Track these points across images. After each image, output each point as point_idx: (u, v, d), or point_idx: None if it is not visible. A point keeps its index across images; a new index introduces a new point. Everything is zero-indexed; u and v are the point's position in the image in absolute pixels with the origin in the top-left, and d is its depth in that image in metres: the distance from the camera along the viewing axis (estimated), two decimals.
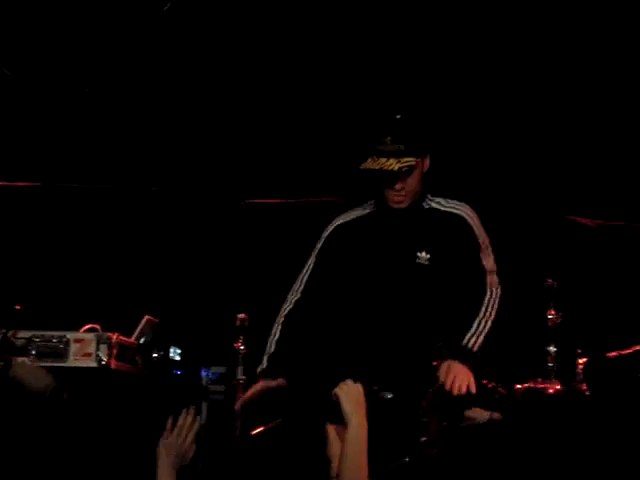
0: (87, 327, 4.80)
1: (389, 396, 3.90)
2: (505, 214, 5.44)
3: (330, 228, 4.26)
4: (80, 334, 4.73)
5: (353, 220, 4.24)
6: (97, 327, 4.79)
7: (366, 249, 4.17)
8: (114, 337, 4.69)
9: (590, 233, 4.78)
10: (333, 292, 4.19)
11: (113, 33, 5.73)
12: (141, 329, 4.94)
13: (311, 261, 4.25)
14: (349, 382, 3.40)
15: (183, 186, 5.87)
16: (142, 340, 4.93)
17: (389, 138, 4.02)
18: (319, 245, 4.25)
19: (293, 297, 4.23)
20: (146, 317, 4.98)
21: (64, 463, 4.38)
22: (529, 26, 5.57)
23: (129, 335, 4.90)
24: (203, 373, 4.96)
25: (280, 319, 4.21)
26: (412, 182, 4.04)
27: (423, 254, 4.11)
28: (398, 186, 4.03)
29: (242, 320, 4.97)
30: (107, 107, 5.76)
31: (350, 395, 3.35)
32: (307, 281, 4.21)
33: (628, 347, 4.68)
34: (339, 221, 4.27)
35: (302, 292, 4.21)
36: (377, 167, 4.00)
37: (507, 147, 5.60)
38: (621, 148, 5.49)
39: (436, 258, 4.09)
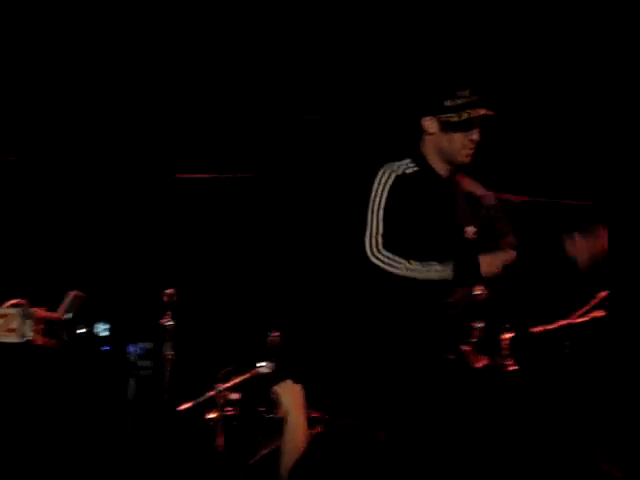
0: (12, 302, 4.75)
1: None
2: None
3: (387, 179, 4.15)
4: (3, 309, 4.68)
5: (406, 175, 4.16)
6: (22, 302, 4.74)
7: (427, 213, 4.14)
8: (39, 312, 4.65)
9: (514, 209, 4.80)
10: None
11: None
12: (67, 304, 4.89)
13: (378, 215, 4.12)
14: (289, 382, 3.39)
15: (112, 160, 5.81)
16: (68, 315, 4.88)
17: (468, 90, 4.07)
18: (383, 195, 4.13)
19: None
20: (72, 292, 4.93)
21: None
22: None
23: (55, 310, 4.85)
24: (130, 349, 4.94)
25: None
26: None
27: (470, 228, 4.12)
28: (478, 137, 4.07)
29: (170, 295, 4.93)
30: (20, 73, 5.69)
31: (289, 393, 3.34)
32: (384, 234, 4.05)
33: (553, 322, 4.74)
34: (392, 172, 4.18)
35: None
36: (485, 113, 4.05)
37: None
38: (543, 126, 5.54)
39: (480, 233, 4.10)
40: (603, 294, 4.72)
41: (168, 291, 4.93)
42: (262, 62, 5.79)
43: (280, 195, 5.32)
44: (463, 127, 4.09)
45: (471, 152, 4.14)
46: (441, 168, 4.19)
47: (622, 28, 5.49)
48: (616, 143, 5.51)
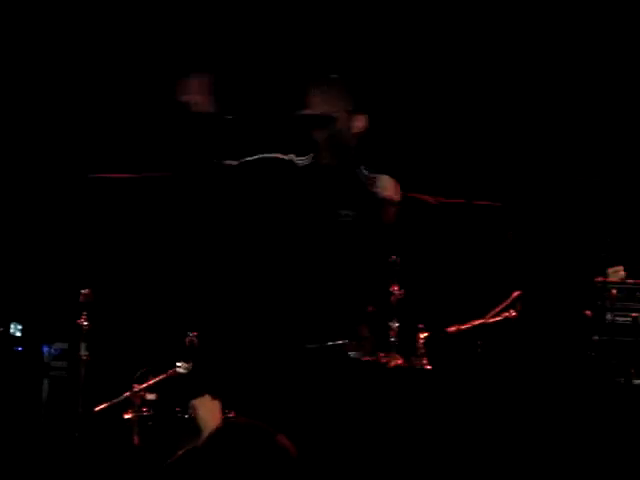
0: None
1: None
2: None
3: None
4: None
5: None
6: None
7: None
8: None
9: (431, 210, 4.86)
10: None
11: None
12: None
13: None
14: (207, 397, 3.38)
15: (25, 159, 5.74)
16: None
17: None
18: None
19: None
20: None
21: None
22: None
23: None
24: (45, 349, 4.92)
25: None
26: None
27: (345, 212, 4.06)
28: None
29: (86, 295, 4.87)
30: None
31: (205, 408, 3.33)
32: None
33: (466, 322, 4.80)
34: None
35: None
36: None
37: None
38: (463, 127, 5.60)
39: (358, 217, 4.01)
40: (516, 294, 4.81)
41: (84, 291, 4.87)
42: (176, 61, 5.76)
43: (195, 194, 5.29)
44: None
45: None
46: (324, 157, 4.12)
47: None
48: (526, 143, 5.59)
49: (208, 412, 3.30)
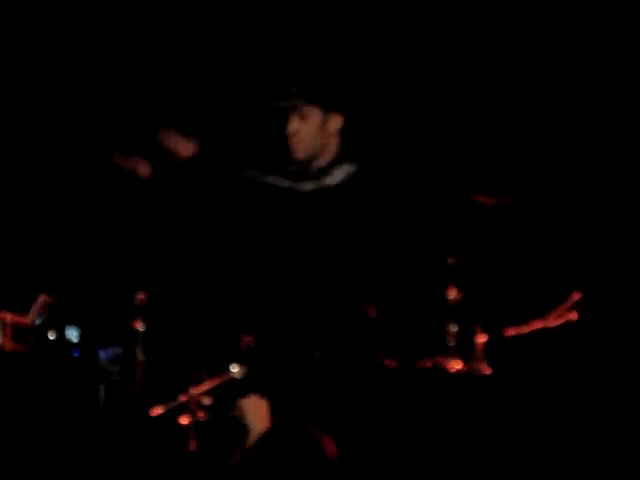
0: None
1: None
2: (407, 191, 5.43)
3: None
4: None
5: None
6: None
7: None
8: (8, 317, 4.61)
9: (490, 212, 4.79)
10: None
11: None
12: (37, 309, 4.84)
13: None
14: (254, 396, 3.34)
15: (83, 162, 5.75)
16: (38, 320, 4.84)
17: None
18: None
19: None
20: (42, 296, 4.88)
21: None
22: None
23: (24, 315, 4.80)
24: (101, 354, 4.92)
25: None
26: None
27: None
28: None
29: (141, 298, 4.90)
30: None
31: (252, 408, 3.31)
32: None
33: (526, 324, 4.73)
34: None
35: None
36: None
37: (411, 123, 5.56)
38: (522, 127, 5.50)
39: None
40: (577, 296, 4.72)
41: (139, 295, 4.91)
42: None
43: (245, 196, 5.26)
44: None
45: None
46: None
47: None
48: (584, 142, 5.50)
49: (256, 412, 3.27)
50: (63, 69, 5.75)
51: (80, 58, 5.75)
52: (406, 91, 5.56)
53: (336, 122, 3.85)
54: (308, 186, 3.76)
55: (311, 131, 3.83)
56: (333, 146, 3.86)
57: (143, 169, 3.75)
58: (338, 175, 3.80)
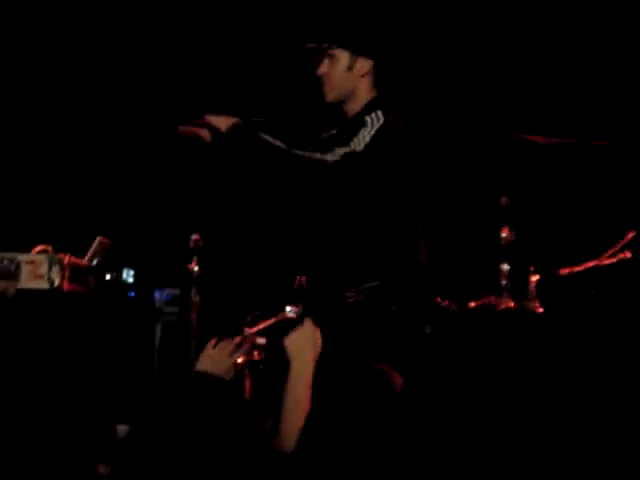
0: (39, 248, 4.68)
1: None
2: (457, 132, 5.46)
3: None
4: (31, 255, 4.59)
5: None
6: (49, 248, 4.71)
7: None
8: (66, 258, 4.57)
9: (542, 151, 4.75)
10: None
11: None
12: (94, 250, 4.80)
13: None
14: (307, 325, 3.33)
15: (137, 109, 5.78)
16: (95, 262, 4.80)
17: None
18: None
19: None
20: (98, 238, 4.83)
21: (17, 385, 4.35)
22: None
23: (81, 256, 4.77)
24: (157, 295, 4.95)
25: None
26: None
27: None
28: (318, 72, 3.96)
29: (196, 241, 4.94)
30: None
31: (298, 339, 3.27)
32: None
33: (580, 264, 4.71)
34: None
35: None
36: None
37: (458, 64, 5.55)
38: (572, 66, 5.48)
39: None
40: (631, 235, 4.68)
41: (194, 237, 4.94)
42: None
43: None
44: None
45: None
46: None
47: None
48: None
49: (299, 344, 3.24)
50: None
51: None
52: (445, 36, 5.56)
53: (364, 65, 3.89)
54: (340, 151, 3.78)
55: (340, 73, 3.88)
56: (364, 90, 3.90)
57: (204, 134, 3.83)
58: (370, 132, 3.81)
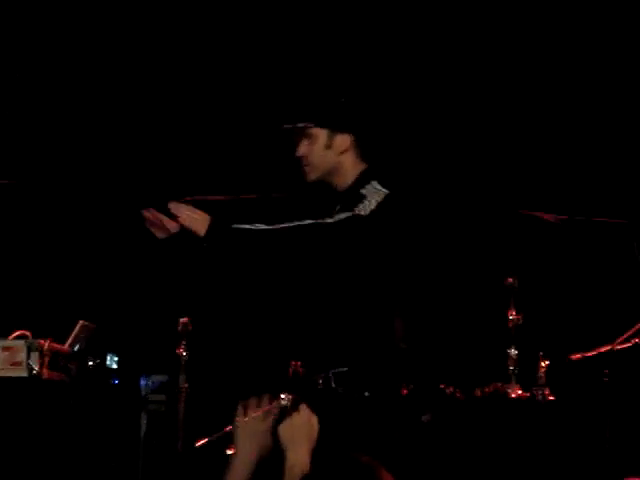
0: (17, 334, 4.59)
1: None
2: (464, 209, 5.38)
3: None
4: (9, 341, 4.53)
5: None
6: (27, 334, 4.60)
7: None
8: (46, 344, 4.49)
9: (552, 230, 4.68)
10: None
11: None
12: (75, 335, 4.75)
13: None
14: (302, 411, 3.18)
15: (120, 187, 5.70)
16: (76, 347, 4.74)
17: None
18: None
19: None
20: (80, 322, 4.78)
21: None
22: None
23: (62, 342, 4.70)
24: (142, 382, 4.83)
25: None
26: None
27: None
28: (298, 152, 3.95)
29: (184, 324, 4.87)
30: None
31: (292, 426, 3.13)
32: None
33: (592, 349, 4.58)
34: None
35: None
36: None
37: (469, 141, 5.50)
38: (584, 144, 5.40)
39: None
40: None
41: (182, 320, 4.87)
42: None
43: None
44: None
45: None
46: None
47: None
48: None
49: (294, 431, 3.10)
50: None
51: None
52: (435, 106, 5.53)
53: (344, 140, 3.88)
54: (342, 215, 3.77)
55: (319, 152, 3.88)
56: (349, 165, 3.88)
57: (172, 226, 3.80)
58: (372, 201, 3.80)
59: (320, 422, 3.19)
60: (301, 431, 3.11)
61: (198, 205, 4.01)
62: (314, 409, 3.20)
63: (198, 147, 5.79)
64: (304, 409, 3.17)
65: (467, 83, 5.49)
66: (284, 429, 3.14)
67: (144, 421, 4.78)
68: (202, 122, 5.79)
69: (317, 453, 3.12)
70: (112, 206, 5.72)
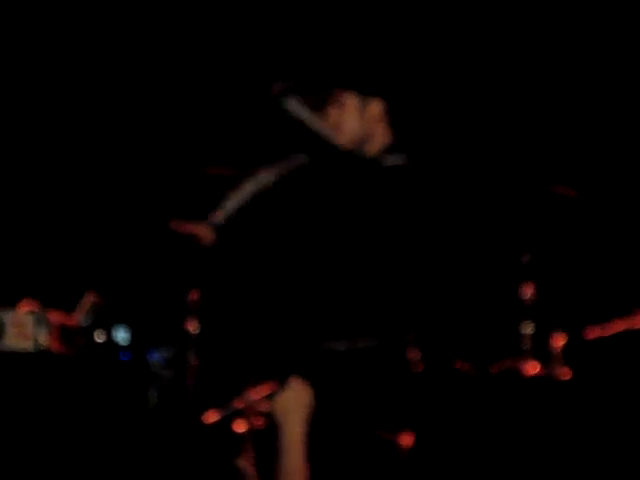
0: (25, 307, 4.59)
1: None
2: (481, 185, 5.34)
3: None
4: (17, 315, 4.52)
5: None
6: (36, 307, 4.61)
7: None
8: (54, 317, 4.51)
9: (570, 204, 4.66)
10: None
11: None
12: (84, 309, 4.77)
13: None
14: (295, 384, 3.19)
15: (131, 164, 5.71)
16: (85, 321, 4.76)
17: None
18: None
19: None
20: (89, 295, 4.80)
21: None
22: None
23: (71, 315, 4.73)
24: (152, 356, 4.88)
25: None
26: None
27: None
28: None
29: (194, 298, 4.87)
30: None
31: (287, 399, 3.18)
32: None
33: (609, 326, 4.57)
34: None
35: None
36: None
37: (486, 115, 5.46)
38: (601, 119, 5.37)
39: None
40: None
41: (192, 294, 4.87)
42: None
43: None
44: None
45: None
46: None
47: None
48: None
49: (288, 404, 3.14)
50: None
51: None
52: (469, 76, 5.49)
53: (376, 107, 3.78)
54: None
55: (351, 118, 3.78)
56: (379, 135, 3.79)
57: (205, 233, 3.90)
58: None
59: (317, 391, 3.19)
60: (294, 403, 3.16)
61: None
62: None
63: (214, 119, 5.75)
64: (295, 382, 3.21)
65: (491, 57, 5.45)
66: (277, 404, 3.15)
67: (153, 396, 4.83)
68: (217, 92, 5.76)
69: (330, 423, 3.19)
70: (124, 177, 5.72)
